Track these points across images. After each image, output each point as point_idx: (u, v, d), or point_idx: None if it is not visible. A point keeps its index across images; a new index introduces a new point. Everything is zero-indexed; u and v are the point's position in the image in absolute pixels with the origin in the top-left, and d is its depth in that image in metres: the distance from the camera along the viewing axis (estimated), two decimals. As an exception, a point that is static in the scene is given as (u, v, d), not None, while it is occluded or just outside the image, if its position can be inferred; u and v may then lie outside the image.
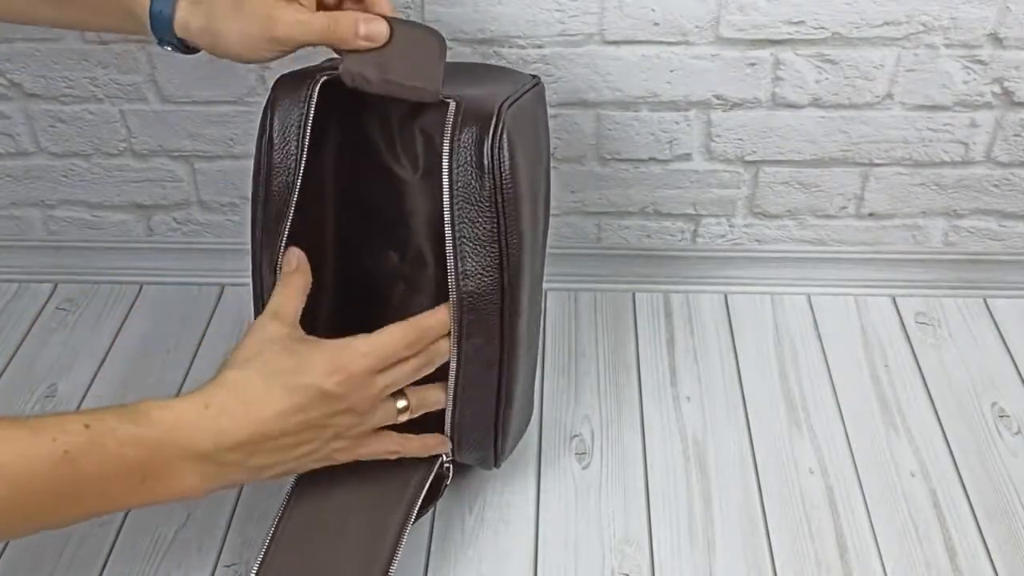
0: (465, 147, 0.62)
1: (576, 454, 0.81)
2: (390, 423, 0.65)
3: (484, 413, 0.69)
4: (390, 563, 0.64)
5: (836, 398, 0.86)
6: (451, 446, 0.70)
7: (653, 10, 0.80)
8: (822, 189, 0.91)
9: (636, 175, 0.91)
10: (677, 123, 0.87)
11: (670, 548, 0.74)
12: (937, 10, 0.79)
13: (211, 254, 0.99)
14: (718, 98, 0.85)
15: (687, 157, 0.89)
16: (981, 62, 0.82)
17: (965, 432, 0.83)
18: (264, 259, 0.67)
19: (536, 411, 0.85)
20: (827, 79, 0.84)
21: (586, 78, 0.84)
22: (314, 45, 0.63)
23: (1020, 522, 0.75)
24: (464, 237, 0.63)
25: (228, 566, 0.73)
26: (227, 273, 0.99)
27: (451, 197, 0.62)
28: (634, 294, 0.97)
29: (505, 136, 0.62)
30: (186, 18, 0.63)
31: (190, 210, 0.97)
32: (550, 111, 0.86)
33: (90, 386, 0.88)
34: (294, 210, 0.65)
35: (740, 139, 0.88)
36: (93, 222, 0.98)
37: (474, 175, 0.62)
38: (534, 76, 0.73)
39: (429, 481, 0.69)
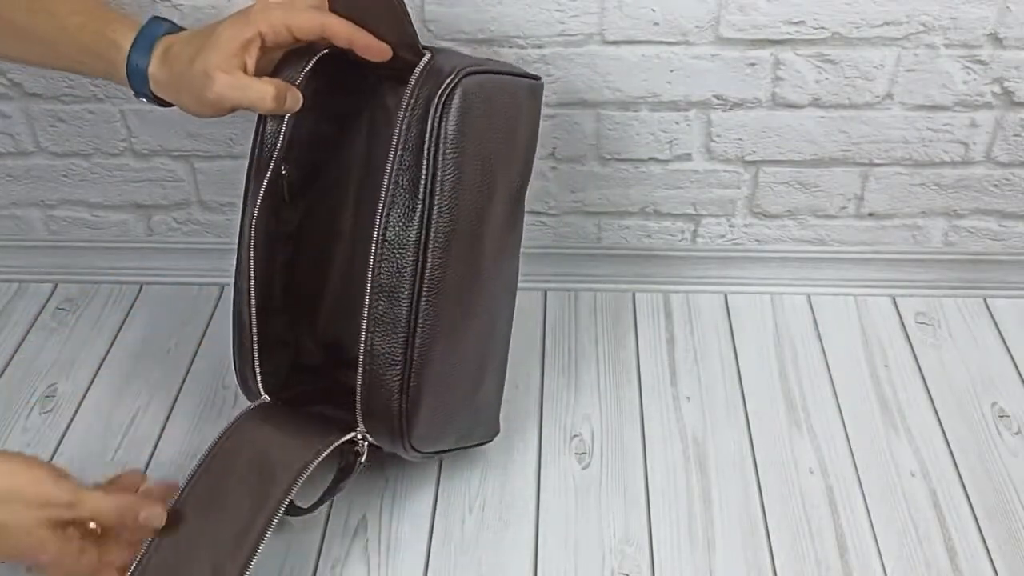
0: (421, 98, 0.63)
1: (576, 454, 0.81)
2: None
3: (387, 379, 0.66)
4: (257, 545, 0.63)
5: (836, 398, 0.86)
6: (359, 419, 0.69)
7: (653, 10, 0.80)
8: (822, 189, 0.91)
9: (636, 175, 0.91)
10: (677, 123, 0.87)
11: (670, 548, 0.74)
12: (937, 10, 0.79)
13: (211, 254, 0.99)
14: (718, 98, 0.85)
15: (687, 157, 0.89)
16: (981, 62, 0.82)
17: (965, 432, 0.83)
18: (245, 220, 0.70)
19: (536, 411, 0.85)
20: (827, 79, 0.84)
21: (586, 78, 0.84)
22: (243, 109, 0.64)
23: (1020, 522, 0.75)
24: (396, 184, 0.63)
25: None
26: (227, 273, 0.99)
27: (397, 143, 0.63)
28: (634, 294, 0.97)
29: (457, 96, 0.63)
30: (156, 73, 0.66)
31: (190, 210, 0.97)
32: (550, 111, 0.86)
33: (90, 386, 0.88)
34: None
35: (740, 139, 0.88)
36: (93, 222, 0.98)
37: (421, 127, 0.63)
38: (537, 76, 0.72)
39: (325, 453, 0.67)
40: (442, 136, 0.63)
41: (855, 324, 0.94)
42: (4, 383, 0.89)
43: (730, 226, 0.94)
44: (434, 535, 0.75)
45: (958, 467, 0.80)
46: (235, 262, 0.71)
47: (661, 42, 0.82)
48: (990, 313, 0.95)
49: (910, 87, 0.84)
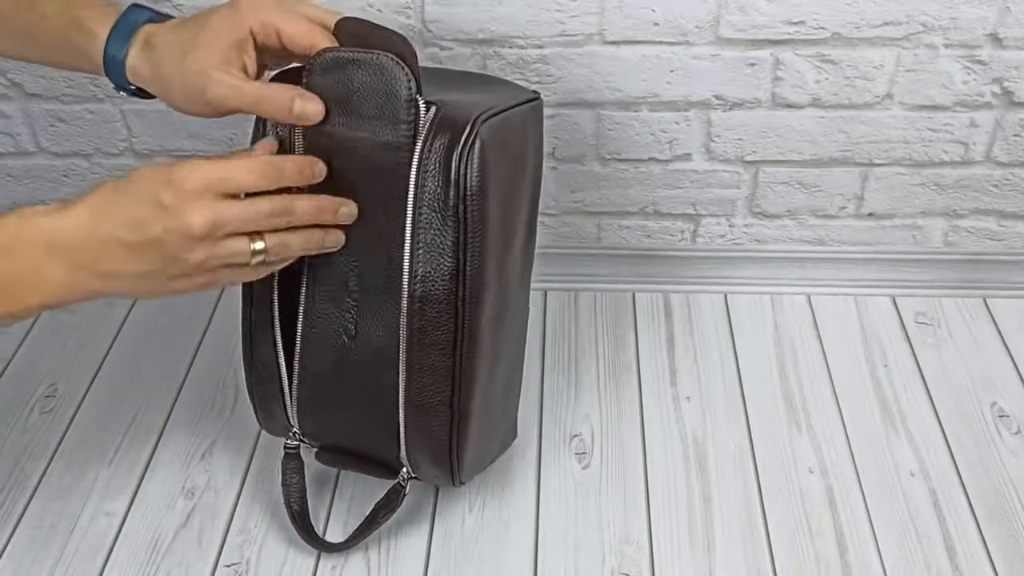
0: (436, 153, 0.61)
1: (576, 454, 0.81)
2: (242, 262, 0.59)
3: (435, 428, 0.67)
4: None
5: (836, 398, 0.86)
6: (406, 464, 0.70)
7: (653, 10, 0.80)
8: (822, 189, 0.91)
9: (636, 175, 0.91)
10: (677, 123, 0.87)
11: (670, 548, 0.74)
12: (937, 10, 0.79)
13: (211, 254, 0.99)
14: (718, 98, 0.85)
15: (687, 157, 0.89)
16: (981, 62, 0.82)
17: (965, 432, 0.83)
18: None
19: (536, 411, 0.85)
20: (827, 79, 0.84)
21: (586, 78, 0.84)
22: (244, 112, 0.62)
23: (1020, 522, 0.76)
24: (422, 243, 0.62)
25: (228, 566, 0.73)
26: (227, 273, 0.99)
27: (415, 200, 0.62)
28: (634, 294, 0.97)
29: (477, 149, 0.61)
30: (136, 64, 0.63)
31: (190, 210, 0.96)
32: (550, 111, 0.86)
33: (90, 386, 0.88)
34: None
35: (740, 139, 0.88)
36: (93, 222, 0.98)
37: (440, 183, 0.62)
38: (535, 92, 0.71)
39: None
40: (468, 194, 0.62)
41: (855, 324, 0.94)
42: (4, 383, 0.89)
43: (730, 226, 0.94)
44: (434, 535, 0.75)
45: (958, 467, 0.80)
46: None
47: (661, 42, 0.82)
48: (990, 313, 0.95)
49: (910, 87, 0.84)
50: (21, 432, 0.84)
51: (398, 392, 0.66)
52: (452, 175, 0.61)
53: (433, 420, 0.67)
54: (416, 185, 0.62)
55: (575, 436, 0.83)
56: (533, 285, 0.89)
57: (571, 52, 0.83)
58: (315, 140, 0.63)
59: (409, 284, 0.63)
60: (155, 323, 0.95)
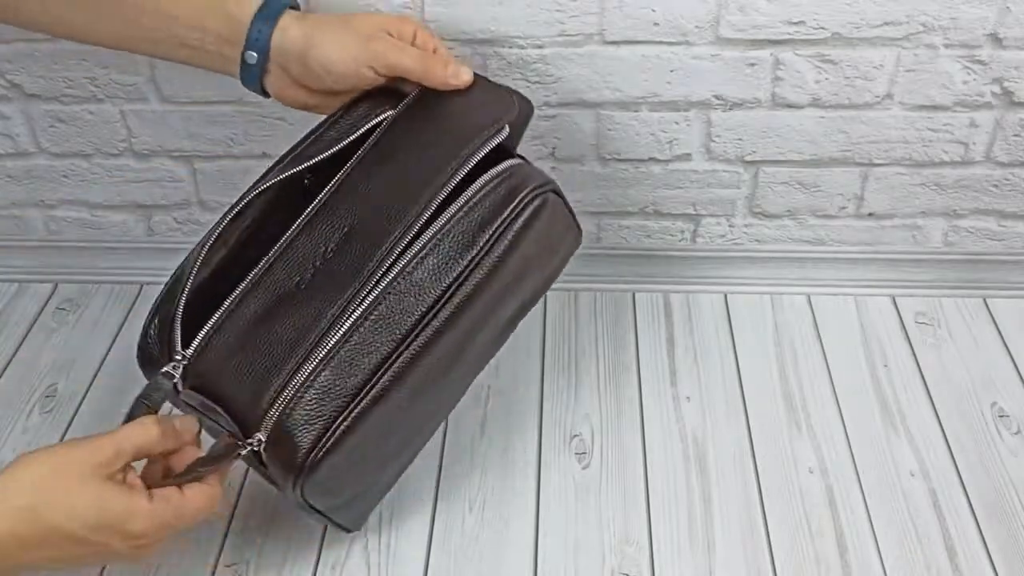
0: (503, 187, 0.64)
1: (576, 454, 0.81)
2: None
3: (324, 407, 0.61)
4: None
5: (836, 398, 0.86)
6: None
7: (653, 10, 0.80)
8: (822, 189, 0.91)
9: (636, 175, 0.91)
10: (677, 123, 0.87)
11: (670, 548, 0.74)
12: (937, 10, 0.79)
13: (211, 254, 0.99)
14: (718, 98, 0.85)
15: (687, 157, 0.89)
16: (981, 62, 0.82)
17: (965, 432, 0.83)
18: (247, 189, 0.67)
19: (536, 411, 0.85)
20: (827, 79, 0.84)
21: (586, 78, 0.84)
22: (403, 75, 0.67)
23: (1020, 522, 0.76)
24: (436, 246, 0.62)
25: (228, 566, 0.73)
26: (227, 273, 0.99)
27: (453, 215, 0.63)
28: (634, 294, 0.97)
29: (537, 202, 0.65)
30: (288, 24, 0.67)
31: (190, 210, 0.97)
32: (551, 111, 0.86)
33: (90, 386, 0.88)
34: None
35: (740, 139, 0.88)
36: (93, 222, 0.98)
37: (485, 206, 0.63)
38: (579, 225, 0.72)
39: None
40: (508, 231, 0.63)
41: (855, 324, 0.94)
42: (4, 383, 0.89)
43: (730, 226, 0.94)
44: (434, 535, 0.75)
45: (958, 467, 0.80)
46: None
47: (661, 42, 0.82)
48: (990, 313, 0.95)
49: (910, 87, 0.84)
50: (21, 432, 0.84)
51: (318, 346, 0.61)
52: (506, 208, 0.63)
53: (326, 398, 0.61)
54: (466, 199, 0.63)
55: (575, 436, 0.83)
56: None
57: (571, 52, 0.83)
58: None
59: (391, 274, 0.62)
60: (155, 323, 0.95)
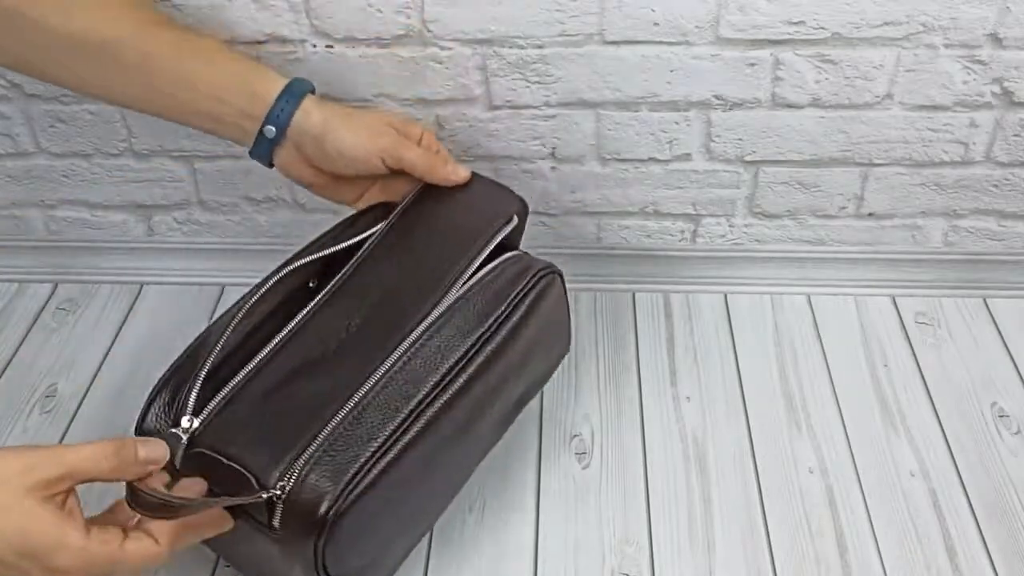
0: (509, 270, 0.69)
1: (576, 454, 0.81)
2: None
3: (355, 449, 0.60)
4: None
5: (836, 398, 0.86)
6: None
7: (653, 10, 0.80)
8: (822, 189, 0.91)
9: (636, 175, 0.91)
10: (677, 123, 0.87)
11: (670, 548, 0.74)
12: (937, 10, 0.79)
13: (211, 254, 0.99)
14: (718, 98, 0.85)
15: (687, 157, 0.89)
16: (981, 62, 0.82)
17: (965, 432, 0.83)
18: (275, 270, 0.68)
19: (536, 411, 0.85)
20: (827, 79, 0.84)
21: (586, 78, 0.84)
22: (408, 168, 0.73)
23: (1020, 522, 0.76)
24: (448, 319, 0.65)
25: (228, 566, 0.73)
26: (227, 273, 0.99)
27: (466, 291, 0.67)
28: (634, 294, 0.97)
29: (547, 280, 0.70)
30: (310, 108, 0.72)
31: (190, 210, 0.97)
32: (550, 111, 0.86)
33: (90, 386, 0.88)
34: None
35: (740, 139, 0.88)
36: (93, 222, 0.98)
37: (497, 288, 0.68)
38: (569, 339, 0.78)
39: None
40: (523, 302, 0.68)
41: (855, 324, 0.94)
42: (4, 383, 0.89)
43: (730, 226, 0.94)
44: (434, 535, 0.75)
45: (958, 467, 0.80)
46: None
47: (661, 42, 0.82)
48: (990, 313, 0.95)
49: (910, 87, 0.84)
50: (21, 432, 0.84)
51: (342, 408, 0.61)
52: (519, 285, 0.68)
53: (349, 451, 0.59)
54: (480, 280, 0.68)
55: (575, 436, 0.83)
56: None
57: (571, 52, 0.83)
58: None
59: (411, 342, 0.64)
60: (155, 323, 0.95)
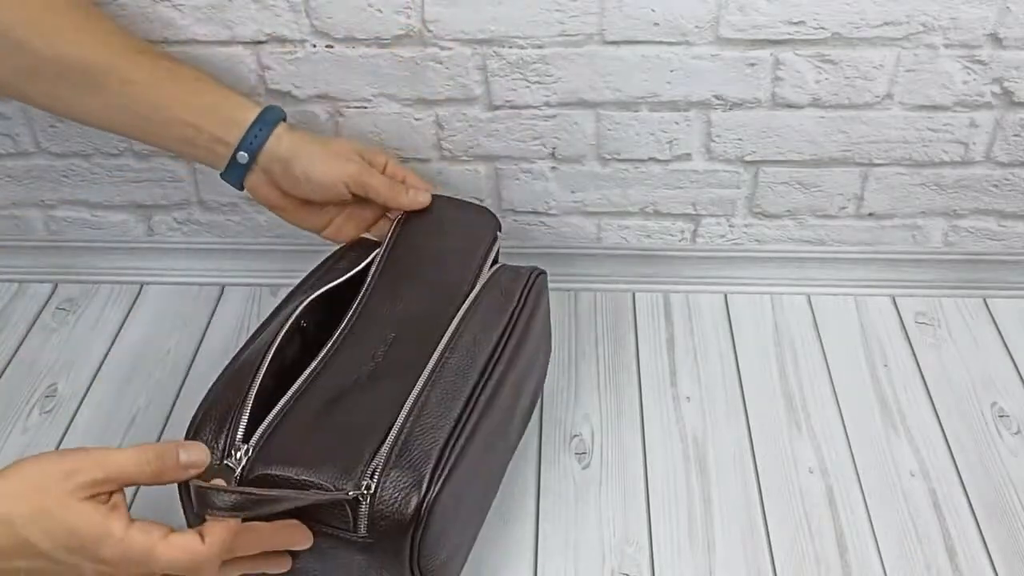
0: (503, 278, 0.74)
1: (576, 454, 0.81)
2: None
3: (432, 434, 0.61)
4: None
5: (836, 398, 0.86)
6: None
7: (653, 10, 0.80)
8: (822, 189, 0.91)
9: (636, 175, 0.91)
10: (677, 123, 0.87)
11: (670, 548, 0.74)
12: (937, 10, 0.79)
13: (211, 254, 0.99)
14: (718, 98, 0.85)
15: (687, 157, 0.89)
16: (981, 62, 0.82)
17: (965, 432, 0.83)
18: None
19: (536, 411, 0.85)
20: (827, 79, 0.84)
21: (586, 78, 0.84)
22: (372, 195, 0.76)
23: (1020, 522, 0.76)
24: (459, 338, 0.68)
25: (228, 566, 0.73)
26: (227, 273, 0.99)
27: (470, 308, 0.70)
28: (634, 294, 0.97)
29: (540, 284, 0.75)
30: (281, 134, 0.75)
31: (190, 210, 0.97)
32: (550, 111, 0.86)
33: (90, 386, 0.88)
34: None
35: (740, 139, 0.88)
36: (93, 222, 0.98)
37: (500, 303, 0.71)
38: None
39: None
40: (530, 299, 0.73)
41: (855, 324, 0.94)
42: (4, 383, 0.89)
43: (730, 226, 0.94)
44: (434, 535, 0.75)
45: (958, 467, 0.80)
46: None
47: (661, 42, 0.82)
48: (990, 313, 0.95)
49: (910, 87, 0.84)
50: (21, 432, 0.84)
51: (399, 405, 0.62)
52: (518, 294, 0.72)
53: (427, 441, 0.61)
54: (486, 283, 0.73)
55: (575, 436, 0.83)
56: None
57: (571, 52, 0.83)
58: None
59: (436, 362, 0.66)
60: (155, 323, 0.95)
